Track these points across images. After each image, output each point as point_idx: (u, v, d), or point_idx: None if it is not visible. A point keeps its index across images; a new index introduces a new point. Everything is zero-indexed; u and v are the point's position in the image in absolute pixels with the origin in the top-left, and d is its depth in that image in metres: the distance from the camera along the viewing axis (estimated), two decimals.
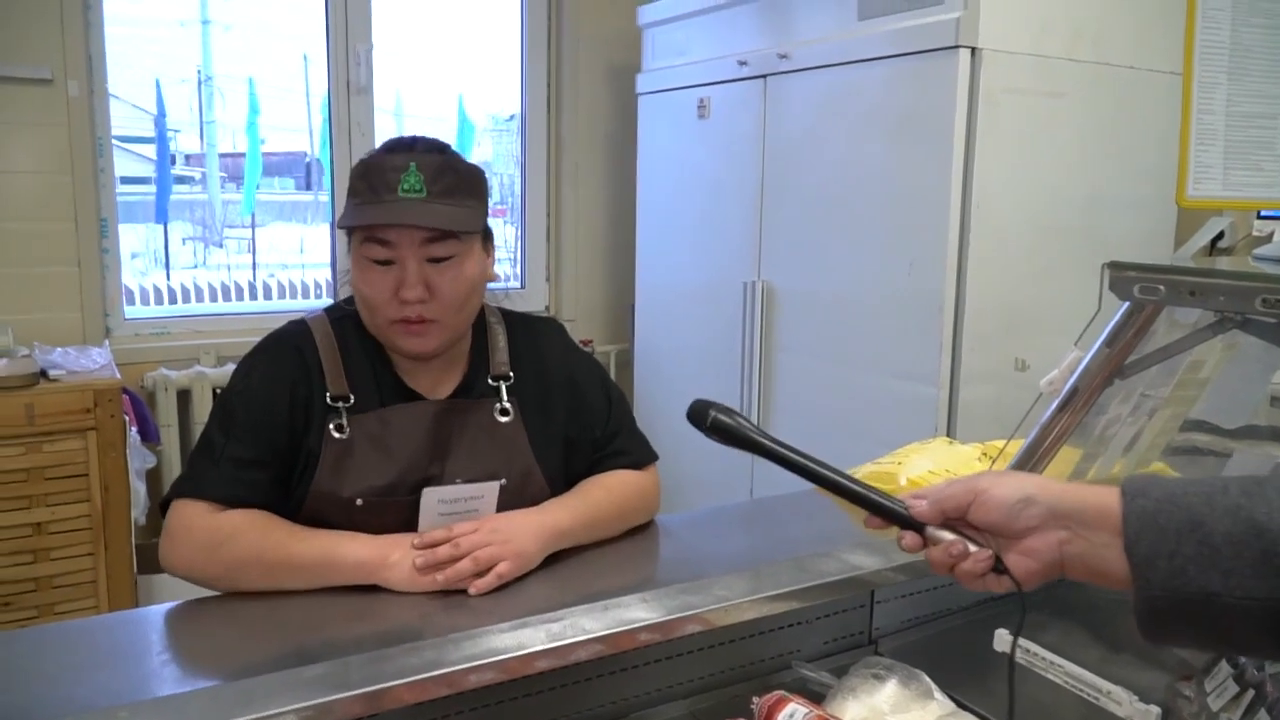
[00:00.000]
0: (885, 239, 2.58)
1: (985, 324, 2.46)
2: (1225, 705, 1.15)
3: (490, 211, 1.44)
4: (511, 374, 1.46)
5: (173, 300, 3.69)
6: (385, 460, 1.35)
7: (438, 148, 1.37)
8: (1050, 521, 0.79)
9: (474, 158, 4.00)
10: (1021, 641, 1.24)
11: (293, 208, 4.22)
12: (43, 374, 2.77)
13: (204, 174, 3.91)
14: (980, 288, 2.44)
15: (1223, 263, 1.45)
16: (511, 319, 1.54)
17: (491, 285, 1.47)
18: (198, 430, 3.30)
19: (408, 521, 1.32)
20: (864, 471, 1.50)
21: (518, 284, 4.15)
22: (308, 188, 4.09)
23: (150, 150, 3.66)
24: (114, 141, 3.32)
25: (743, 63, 3.03)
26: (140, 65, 3.47)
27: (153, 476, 3.18)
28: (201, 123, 3.79)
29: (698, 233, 3.34)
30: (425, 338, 1.35)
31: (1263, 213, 2.15)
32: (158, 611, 1.23)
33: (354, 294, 1.38)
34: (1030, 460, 1.34)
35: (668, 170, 3.51)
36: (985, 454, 1.54)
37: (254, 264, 3.93)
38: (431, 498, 1.33)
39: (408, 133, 1.62)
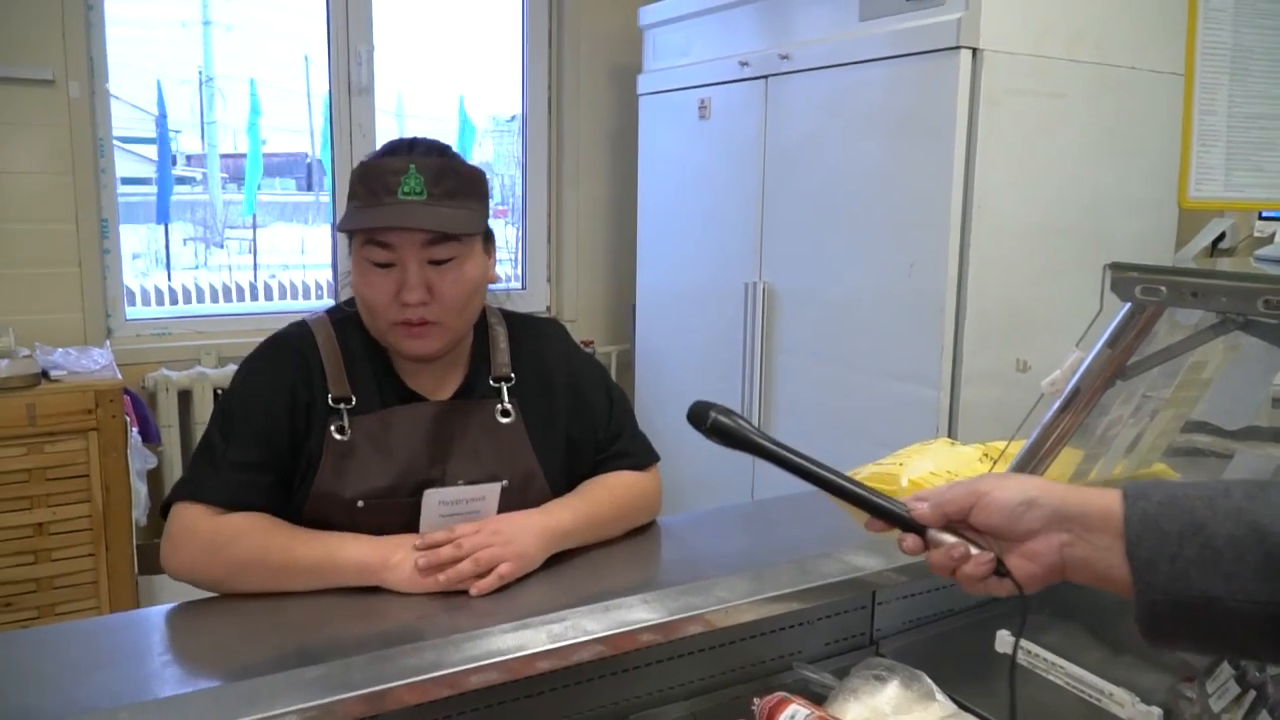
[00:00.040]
0: (886, 240, 2.58)
1: (987, 325, 2.46)
2: (1227, 707, 1.15)
3: (491, 212, 1.44)
4: (513, 375, 1.46)
5: (174, 301, 3.69)
6: (386, 461, 1.35)
7: (438, 149, 1.37)
8: (1052, 524, 0.79)
9: (475, 158, 4.01)
10: (1023, 643, 1.23)
11: (294, 208, 4.22)
12: (44, 375, 2.77)
13: (205, 174, 3.91)
14: (981, 289, 2.44)
15: (1224, 264, 1.45)
16: (513, 320, 1.53)
17: (492, 286, 1.47)
18: (199, 431, 3.30)
19: (409, 523, 1.32)
20: (865, 472, 1.50)
21: (519, 285, 4.15)
22: (309, 188, 4.10)
23: (151, 151, 3.66)
24: (115, 142, 3.33)
25: (744, 63, 3.03)
26: (141, 66, 3.47)
27: (154, 477, 3.18)
28: (203, 123, 3.79)
29: (699, 233, 3.34)
30: (426, 340, 1.35)
31: (1264, 214, 2.14)
32: (159, 612, 1.23)
33: (355, 296, 1.38)
34: (1032, 461, 1.34)
35: (669, 171, 3.51)
36: (986, 455, 1.54)
37: (255, 264, 3.93)
38: (433, 499, 1.33)
39: (409, 133, 1.62)
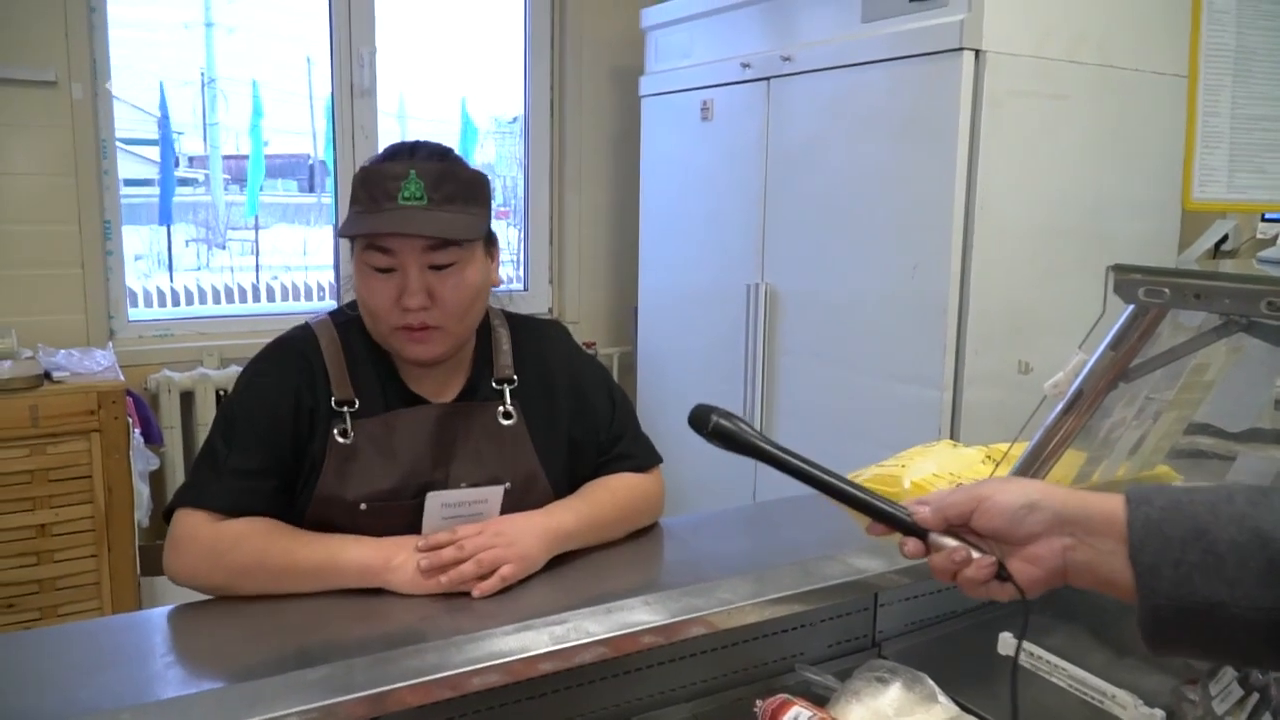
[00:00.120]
0: (889, 241, 2.58)
1: (989, 326, 2.46)
2: (1230, 709, 1.15)
3: (493, 214, 1.44)
4: (515, 377, 1.46)
5: (176, 302, 3.69)
6: (389, 464, 1.35)
7: (439, 153, 1.37)
8: (1054, 528, 0.78)
9: (477, 160, 4.01)
10: (1026, 645, 1.23)
11: (296, 210, 4.22)
12: (46, 376, 2.77)
13: (207, 176, 3.92)
14: (984, 290, 2.44)
15: (1227, 265, 1.45)
16: (515, 322, 1.53)
17: (495, 288, 1.47)
18: (201, 432, 3.30)
19: (412, 525, 1.33)
20: (868, 474, 1.50)
21: (521, 286, 4.15)
22: (311, 190, 4.10)
23: (154, 152, 3.66)
24: (118, 144, 3.33)
25: (746, 65, 3.03)
26: (144, 67, 3.47)
27: (156, 478, 3.18)
28: (205, 125, 3.79)
29: (701, 235, 3.34)
30: (428, 345, 1.35)
31: (1267, 215, 2.14)
32: (161, 614, 1.23)
33: (357, 300, 1.38)
34: (1034, 463, 1.34)
35: (671, 173, 3.51)
36: (989, 457, 1.53)
37: (257, 266, 3.93)
38: (435, 501, 1.33)
39: (411, 135, 1.62)
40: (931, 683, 1.20)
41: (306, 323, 1.44)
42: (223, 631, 1.20)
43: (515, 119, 4.14)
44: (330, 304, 3.75)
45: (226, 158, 3.93)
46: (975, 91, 2.36)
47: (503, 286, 1.49)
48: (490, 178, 1.43)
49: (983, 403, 2.47)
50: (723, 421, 0.89)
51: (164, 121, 3.59)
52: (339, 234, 1.34)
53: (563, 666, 1.12)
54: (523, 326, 1.54)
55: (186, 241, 3.92)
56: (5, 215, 3.07)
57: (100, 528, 2.75)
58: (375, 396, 1.38)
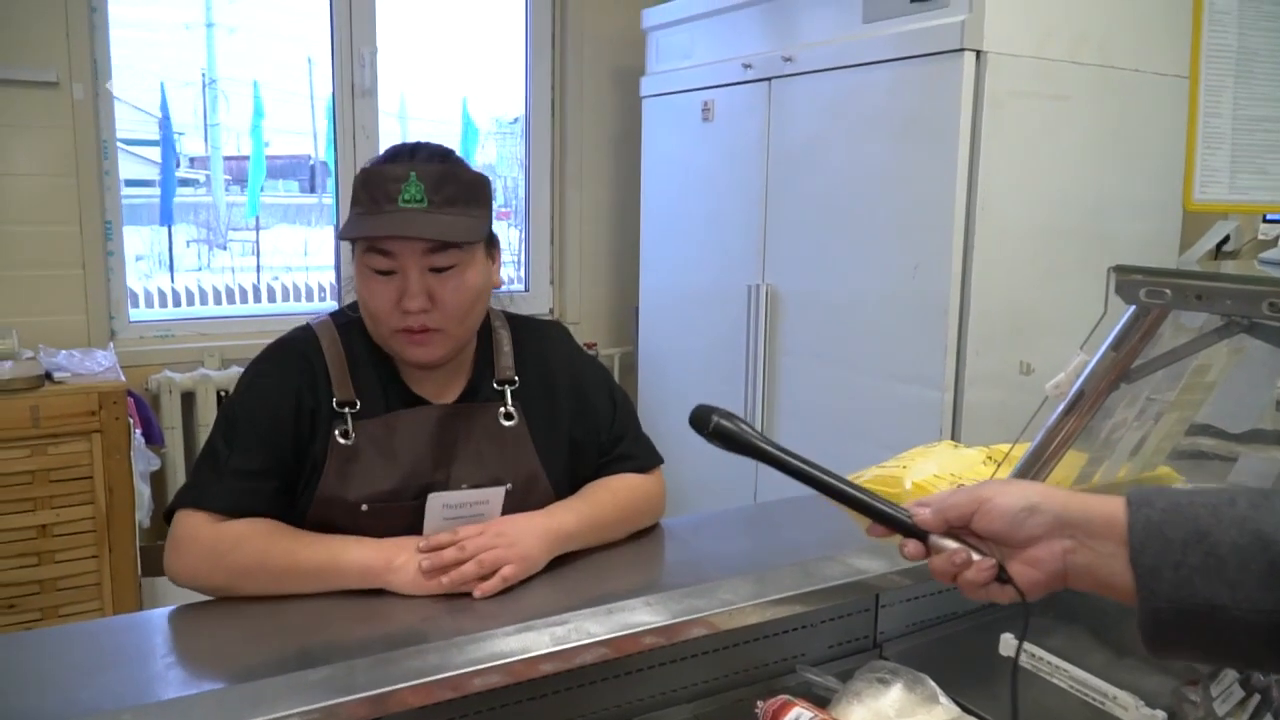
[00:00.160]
0: (890, 242, 2.58)
1: (990, 327, 2.46)
2: (1231, 710, 1.15)
3: (495, 215, 1.43)
4: (516, 378, 1.46)
5: (177, 303, 3.69)
6: (391, 465, 1.35)
7: (440, 155, 1.36)
8: (1055, 531, 0.78)
9: (478, 161, 4.01)
10: (1027, 646, 1.23)
11: (297, 210, 4.22)
12: (47, 376, 2.77)
13: (208, 176, 3.92)
14: (985, 291, 2.44)
15: (1229, 267, 1.45)
16: (516, 323, 1.53)
17: (496, 289, 1.47)
18: (202, 433, 3.30)
19: (413, 527, 1.33)
20: (869, 475, 1.50)
21: (522, 287, 4.15)
22: (312, 190, 4.10)
23: (155, 153, 3.66)
24: (119, 144, 3.33)
25: (747, 65, 3.03)
26: (145, 68, 3.47)
27: (157, 479, 3.18)
28: (206, 125, 3.79)
29: (702, 236, 3.34)
30: (429, 347, 1.35)
31: (1269, 216, 2.14)
32: (162, 614, 1.23)
33: (358, 302, 1.38)
34: (1036, 464, 1.34)
35: (672, 173, 3.51)
36: (990, 458, 1.53)
37: (258, 266, 3.93)
38: (437, 503, 1.33)
39: (412, 136, 1.62)
40: (933, 684, 1.20)
41: (308, 323, 1.44)
42: (224, 632, 1.20)
43: (516, 119, 4.14)
44: (331, 305, 3.75)
45: (227, 158, 3.93)
46: (976, 92, 2.36)
47: (503, 287, 1.49)
48: (491, 178, 1.42)
49: (984, 403, 2.47)
50: (723, 422, 0.89)
51: (165, 122, 3.59)
52: (339, 236, 1.34)
53: (564, 667, 1.12)
54: (524, 327, 1.54)
55: (187, 242, 3.92)
56: (7, 216, 3.07)
57: (101, 528, 2.75)
58: (376, 397, 1.38)
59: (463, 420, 1.40)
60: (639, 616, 1.17)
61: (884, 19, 2.58)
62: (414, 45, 3.81)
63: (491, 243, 1.42)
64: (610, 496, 1.45)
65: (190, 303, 3.71)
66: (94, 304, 3.23)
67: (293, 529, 1.30)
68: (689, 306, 3.43)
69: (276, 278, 3.92)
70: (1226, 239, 1.59)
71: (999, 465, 1.48)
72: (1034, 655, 1.23)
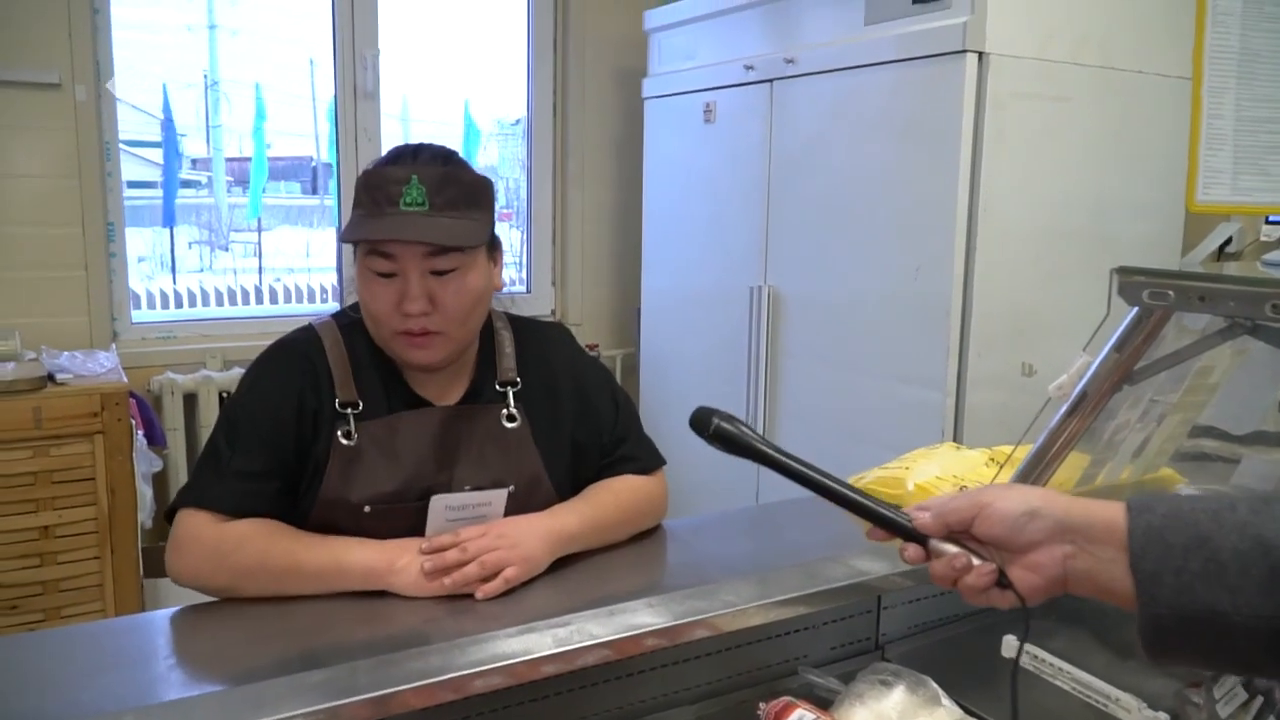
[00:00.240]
0: (892, 244, 2.58)
1: (992, 329, 2.46)
2: (1234, 713, 1.14)
3: (497, 216, 1.43)
4: (519, 380, 1.46)
5: (179, 304, 3.69)
6: (393, 466, 1.34)
7: (442, 157, 1.36)
8: (1055, 536, 0.78)
9: (480, 162, 4.01)
10: (1030, 648, 1.23)
11: (299, 212, 4.22)
12: (50, 378, 2.78)
13: (210, 178, 3.92)
14: (987, 292, 2.43)
15: (1231, 268, 1.45)
16: (518, 324, 1.53)
17: (497, 291, 1.47)
18: (204, 434, 3.30)
19: (415, 528, 1.32)
20: (871, 477, 1.50)
21: (524, 288, 4.15)
22: (313, 192, 4.10)
23: (157, 154, 3.67)
24: (121, 146, 3.34)
25: (749, 67, 3.03)
26: (147, 70, 3.47)
27: (159, 480, 3.18)
28: (208, 127, 3.79)
29: (704, 237, 3.34)
30: (430, 350, 1.35)
31: (1271, 218, 2.14)
32: (164, 616, 1.23)
33: (360, 304, 1.38)
34: (1038, 466, 1.34)
35: (674, 175, 3.51)
36: (993, 459, 1.53)
37: (260, 268, 3.93)
38: (439, 505, 1.32)
39: (414, 137, 1.62)
40: (935, 685, 1.20)
41: (310, 324, 1.44)
42: (226, 634, 1.20)
43: (518, 121, 4.14)
44: (333, 306, 3.75)
45: (229, 160, 3.93)
46: (978, 93, 2.36)
47: (505, 289, 1.49)
48: (493, 180, 1.42)
49: (986, 405, 2.47)
50: (724, 425, 0.89)
51: (167, 124, 3.60)
52: (341, 239, 1.34)
53: (566, 669, 1.11)
54: (526, 329, 1.53)
55: (189, 243, 3.91)
56: (9, 217, 3.08)
57: (103, 529, 2.75)
58: (379, 398, 1.38)
59: (465, 422, 1.40)
60: (641, 618, 1.17)
61: (886, 20, 2.57)
62: (416, 47, 3.81)
63: (494, 245, 1.42)
64: (612, 498, 1.45)
65: (192, 304, 3.71)
66: (96, 305, 3.24)
67: (295, 530, 1.30)
68: (691, 308, 3.43)
69: (278, 279, 3.92)
70: (1229, 240, 1.59)
71: (1001, 467, 1.48)
72: (1036, 657, 1.23)
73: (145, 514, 2.90)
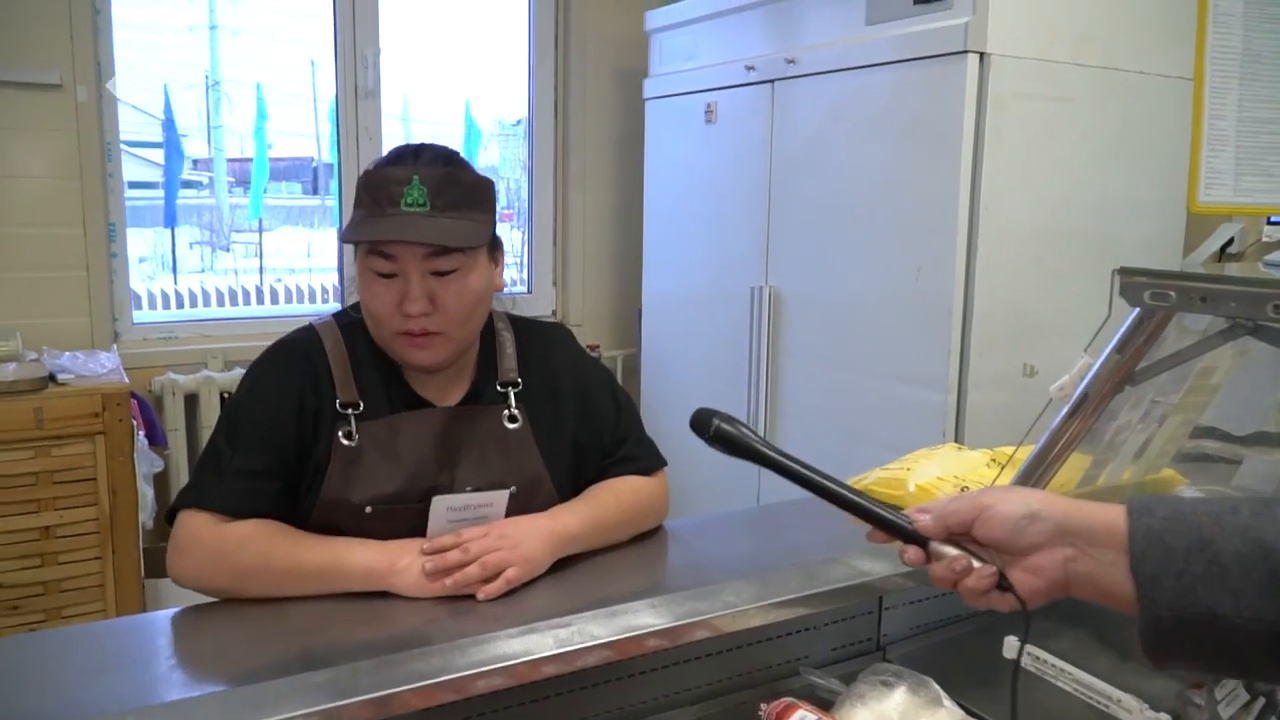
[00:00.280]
0: (893, 244, 2.58)
1: (994, 329, 2.46)
2: (1236, 714, 1.14)
3: (498, 217, 1.43)
4: (520, 380, 1.46)
5: (180, 305, 3.69)
6: (394, 467, 1.34)
7: (443, 157, 1.36)
8: (1056, 539, 0.78)
9: (481, 162, 4.01)
10: (1031, 649, 1.23)
11: (300, 212, 4.22)
12: (51, 378, 2.78)
13: (211, 178, 3.92)
14: (989, 293, 2.43)
15: (1233, 269, 1.45)
16: (519, 325, 1.53)
17: (498, 292, 1.47)
18: (205, 434, 3.31)
19: (417, 529, 1.32)
20: (873, 477, 1.50)
21: (525, 289, 4.15)
22: (315, 192, 4.10)
23: (158, 155, 3.67)
24: (122, 146, 3.34)
25: (750, 68, 3.03)
26: (148, 70, 3.47)
27: (160, 481, 3.18)
28: (209, 127, 3.79)
29: (705, 237, 3.34)
30: (430, 350, 1.34)
31: (1273, 218, 2.14)
32: (165, 616, 1.23)
33: (360, 304, 1.38)
34: (1040, 466, 1.34)
35: (675, 175, 3.51)
36: (994, 460, 1.53)
37: (261, 268, 3.93)
38: (441, 505, 1.32)
39: (415, 137, 1.62)
40: (936, 686, 1.20)
41: (310, 324, 1.44)
42: (227, 634, 1.20)
43: (519, 121, 4.14)
44: (334, 306, 3.75)
45: (231, 160, 3.93)
46: (980, 94, 2.36)
47: (506, 289, 1.49)
48: (494, 181, 1.42)
49: (987, 405, 2.47)
50: (724, 426, 0.89)
51: (168, 124, 3.60)
52: (342, 239, 1.34)
53: (567, 670, 1.11)
54: (527, 329, 1.53)
55: (190, 244, 3.92)
56: (10, 218, 3.08)
57: (105, 530, 2.75)
58: (380, 399, 1.38)
59: (466, 422, 1.40)
60: (642, 619, 1.17)
61: (887, 21, 2.57)
62: (417, 47, 3.82)
63: (495, 246, 1.42)
64: (613, 499, 1.45)
65: (193, 304, 3.71)
66: (97, 306, 3.24)
67: (295, 531, 1.30)
68: (692, 308, 3.43)
69: (279, 279, 3.92)
70: (1231, 241, 1.58)
71: (1003, 468, 1.48)
72: (1038, 658, 1.23)
73: (146, 514, 2.90)
